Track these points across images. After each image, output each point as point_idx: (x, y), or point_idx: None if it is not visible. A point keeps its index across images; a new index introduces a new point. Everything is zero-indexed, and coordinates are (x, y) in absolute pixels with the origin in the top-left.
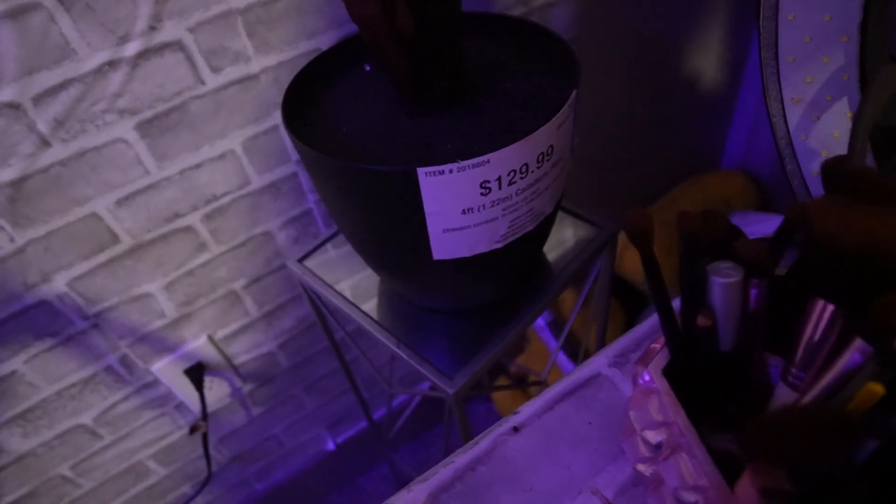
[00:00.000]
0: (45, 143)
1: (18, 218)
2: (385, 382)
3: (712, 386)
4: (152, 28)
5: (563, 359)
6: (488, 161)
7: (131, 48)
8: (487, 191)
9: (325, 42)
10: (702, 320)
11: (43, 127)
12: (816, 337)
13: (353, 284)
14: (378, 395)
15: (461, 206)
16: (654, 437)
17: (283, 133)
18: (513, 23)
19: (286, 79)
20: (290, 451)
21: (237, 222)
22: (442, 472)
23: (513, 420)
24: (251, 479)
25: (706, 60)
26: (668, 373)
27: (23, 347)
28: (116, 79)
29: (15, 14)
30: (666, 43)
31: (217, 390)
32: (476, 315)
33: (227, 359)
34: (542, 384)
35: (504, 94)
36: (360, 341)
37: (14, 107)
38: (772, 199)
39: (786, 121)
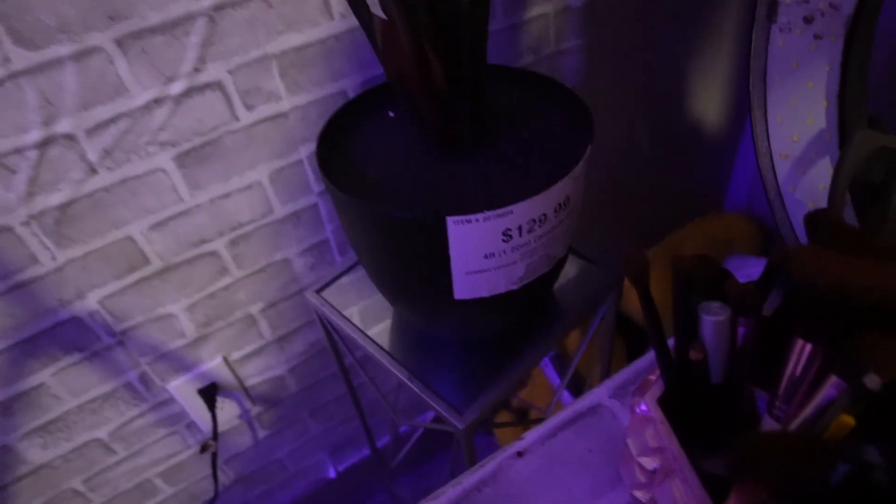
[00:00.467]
0: (92, 170)
1: (61, 239)
2: (392, 412)
3: (703, 415)
4: (196, 70)
5: (565, 395)
6: (512, 212)
7: (176, 87)
8: (509, 238)
9: (349, 83)
10: (694, 354)
11: (92, 156)
12: (797, 373)
13: (363, 308)
14: (381, 422)
15: (484, 251)
16: (649, 463)
17: (307, 166)
18: (525, 74)
19: (313, 116)
20: (293, 476)
21: (258, 249)
22: (450, 492)
23: (517, 445)
24: (253, 502)
25: (710, 106)
26: (663, 402)
27: (52, 361)
28: (161, 114)
29: (79, 56)
30: (671, 89)
31: (227, 411)
32: (483, 346)
33: (240, 380)
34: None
35: (521, 142)
36: (367, 367)
37: (69, 137)
38: (775, 242)
39: (775, 174)
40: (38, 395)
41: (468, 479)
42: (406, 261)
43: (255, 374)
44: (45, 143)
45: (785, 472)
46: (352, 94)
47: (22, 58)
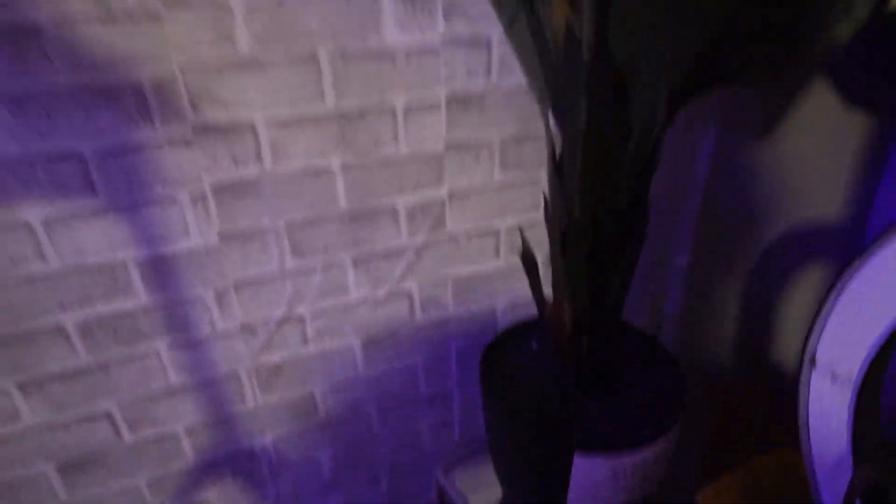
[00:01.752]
0: (305, 341)
1: (266, 387)
2: None
3: None
4: (398, 283)
5: None
6: (622, 457)
7: (381, 293)
8: (617, 478)
9: (499, 304)
10: None
11: (310, 332)
12: None
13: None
14: None
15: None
16: None
17: (453, 362)
18: (633, 331)
19: (467, 324)
20: None
21: (398, 417)
22: None
23: None
24: None
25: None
26: None
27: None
28: (363, 310)
29: (327, 267)
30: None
31: None
32: None
33: None
34: None
35: (637, 391)
36: None
37: (300, 319)
38: None
39: None
40: None
41: None
42: (531, 466)
43: None
44: (284, 321)
45: None
46: (500, 312)
47: (293, 263)
